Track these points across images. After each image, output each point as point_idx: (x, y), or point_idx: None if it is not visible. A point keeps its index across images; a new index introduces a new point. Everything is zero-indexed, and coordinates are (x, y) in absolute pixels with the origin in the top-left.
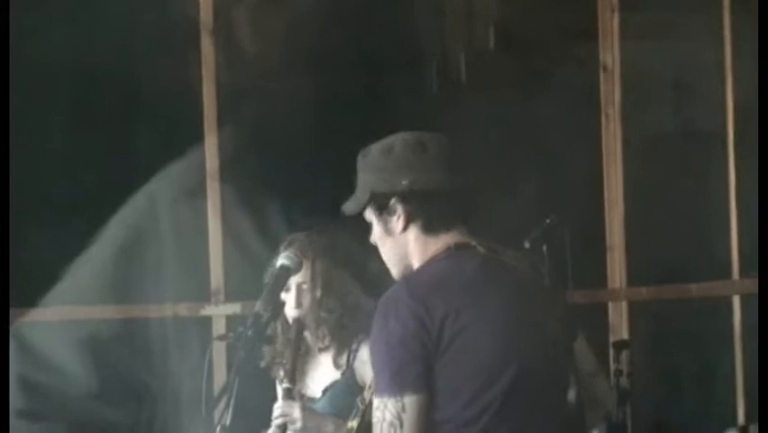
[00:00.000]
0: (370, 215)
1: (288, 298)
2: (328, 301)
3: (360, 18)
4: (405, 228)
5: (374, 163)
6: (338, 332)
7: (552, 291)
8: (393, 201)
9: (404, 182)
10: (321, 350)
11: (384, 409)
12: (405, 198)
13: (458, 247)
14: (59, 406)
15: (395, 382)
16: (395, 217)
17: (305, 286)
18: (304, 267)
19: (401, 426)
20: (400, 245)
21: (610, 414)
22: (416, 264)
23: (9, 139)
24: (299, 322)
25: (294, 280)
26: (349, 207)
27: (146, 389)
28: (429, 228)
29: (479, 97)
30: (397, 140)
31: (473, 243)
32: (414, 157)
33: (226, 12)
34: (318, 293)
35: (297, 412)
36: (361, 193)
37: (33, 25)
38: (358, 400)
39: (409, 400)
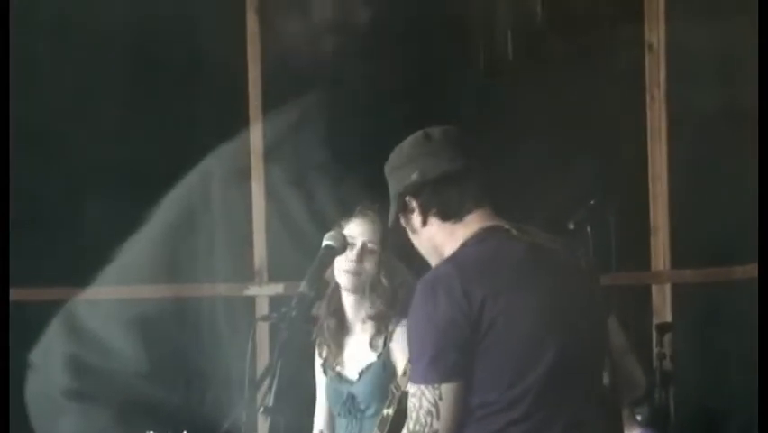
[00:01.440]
0: (402, 219)
1: (344, 259)
2: (390, 267)
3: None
4: (424, 222)
5: (390, 167)
6: (391, 302)
7: (587, 273)
8: (408, 198)
9: (413, 176)
10: (366, 320)
11: (421, 397)
12: (416, 191)
13: (488, 231)
14: (109, 385)
15: (432, 369)
16: (414, 214)
17: (370, 246)
18: (374, 233)
19: (438, 414)
20: (428, 240)
21: (650, 399)
22: (447, 251)
23: (9, 132)
24: (355, 280)
25: (360, 240)
26: (389, 220)
27: (193, 369)
28: (448, 215)
29: (525, 75)
30: (408, 138)
31: (505, 225)
32: (419, 150)
33: None
34: (385, 256)
35: None
36: (393, 203)
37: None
38: (392, 386)
39: (446, 388)
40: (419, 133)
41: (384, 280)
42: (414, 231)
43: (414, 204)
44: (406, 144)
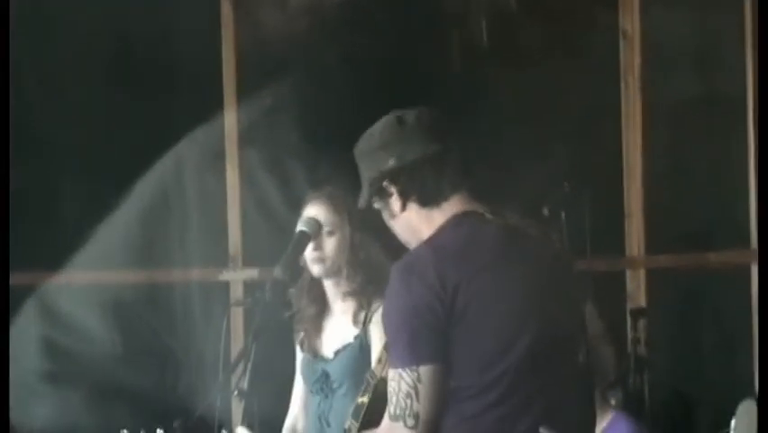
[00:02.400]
0: (376, 203)
1: (321, 245)
2: (365, 245)
3: None
4: (403, 207)
5: (363, 152)
6: (371, 279)
7: (563, 257)
8: (386, 183)
9: (390, 162)
10: (346, 300)
11: (399, 380)
12: (393, 176)
13: (464, 215)
14: (84, 369)
15: (409, 352)
16: (392, 199)
17: (327, 229)
18: (339, 216)
19: (417, 396)
20: (406, 224)
21: (623, 382)
22: (428, 233)
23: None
24: (323, 264)
25: (327, 229)
26: (360, 202)
27: (167, 353)
28: (426, 201)
29: (500, 61)
30: (379, 123)
31: (480, 210)
32: (393, 135)
33: None
34: (357, 238)
35: None
36: (364, 185)
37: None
38: (367, 375)
39: (424, 370)
40: (391, 117)
41: (360, 256)
42: (392, 215)
43: (392, 189)
44: (378, 128)
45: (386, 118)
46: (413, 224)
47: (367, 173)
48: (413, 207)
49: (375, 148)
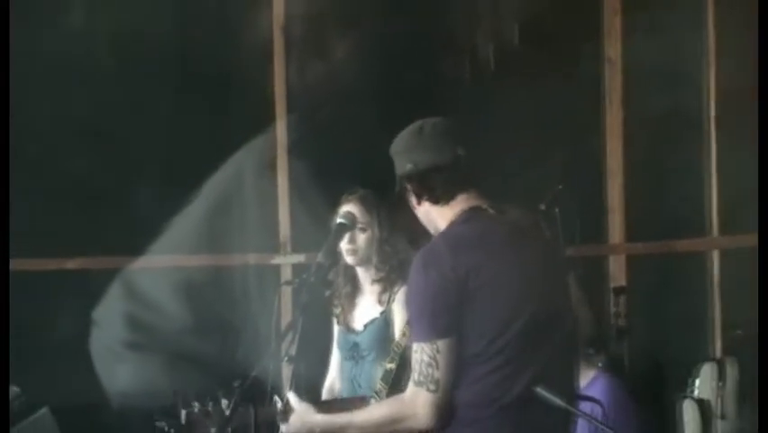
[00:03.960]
0: (405, 193)
1: (355, 239)
2: (391, 241)
3: (406, 17)
4: (419, 202)
5: (394, 152)
6: (395, 268)
7: (553, 244)
8: (406, 183)
9: (408, 166)
10: (374, 283)
11: (422, 352)
12: (410, 178)
13: (471, 211)
14: (159, 338)
15: (429, 329)
16: (410, 195)
17: (360, 226)
18: (368, 214)
19: (437, 365)
20: (425, 215)
21: (605, 347)
22: (442, 226)
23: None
24: (356, 255)
25: (360, 226)
26: (395, 194)
27: (228, 325)
28: (437, 200)
29: (504, 84)
30: (408, 128)
31: (484, 206)
32: (413, 142)
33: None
34: (385, 234)
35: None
36: (397, 176)
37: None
38: (393, 345)
39: (442, 343)
40: (416, 125)
41: (386, 249)
42: (412, 206)
43: (409, 187)
44: (405, 133)
45: (413, 125)
46: (430, 216)
47: (397, 170)
48: (426, 204)
49: (400, 151)
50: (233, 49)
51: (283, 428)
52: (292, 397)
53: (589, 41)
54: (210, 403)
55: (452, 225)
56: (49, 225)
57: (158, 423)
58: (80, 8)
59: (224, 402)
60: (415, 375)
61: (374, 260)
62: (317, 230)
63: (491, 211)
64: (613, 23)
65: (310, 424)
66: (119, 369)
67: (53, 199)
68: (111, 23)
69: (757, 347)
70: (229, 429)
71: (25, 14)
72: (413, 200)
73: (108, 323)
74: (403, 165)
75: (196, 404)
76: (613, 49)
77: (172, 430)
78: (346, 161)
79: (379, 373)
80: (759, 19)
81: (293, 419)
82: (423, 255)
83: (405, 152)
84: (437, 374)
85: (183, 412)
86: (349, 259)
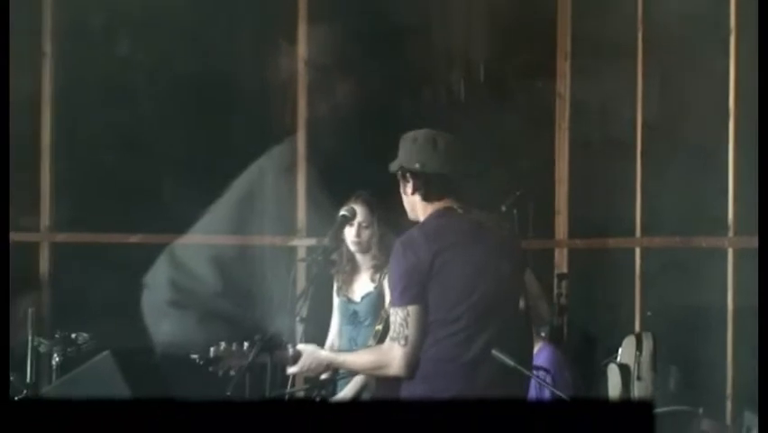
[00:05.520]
0: (399, 176)
1: (351, 233)
2: (384, 236)
3: (397, 59)
4: (413, 193)
5: (405, 145)
6: (387, 253)
7: (509, 239)
8: (408, 174)
9: (416, 165)
10: (370, 267)
11: (396, 315)
12: (415, 174)
13: (445, 210)
14: (196, 300)
15: (402, 296)
16: (409, 184)
17: (364, 223)
18: (369, 215)
19: (407, 325)
20: (411, 205)
21: (550, 323)
22: (420, 217)
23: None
24: (359, 246)
25: (357, 222)
26: (391, 167)
27: (252, 292)
28: (427, 197)
29: (473, 111)
30: (421, 133)
31: (455, 206)
32: (427, 148)
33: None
34: (382, 230)
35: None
36: (397, 161)
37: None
38: (381, 311)
39: (412, 308)
40: (430, 134)
41: (381, 242)
42: (404, 192)
43: (411, 180)
44: (420, 136)
45: (426, 131)
46: (415, 206)
47: (401, 159)
48: (417, 196)
49: (411, 149)
50: (263, 77)
51: (289, 369)
52: (302, 345)
53: (543, 79)
54: (234, 344)
55: (429, 218)
56: (113, 208)
57: (191, 356)
58: (126, 40)
59: (246, 344)
60: (391, 332)
61: (373, 249)
62: (326, 221)
63: (460, 211)
64: (563, 66)
65: (317, 359)
66: (163, 322)
67: (119, 192)
68: (151, 53)
69: (730, 343)
70: (247, 365)
71: (80, 43)
72: (407, 187)
73: (156, 286)
74: (411, 161)
75: (223, 343)
76: (562, 86)
77: (202, 362)
78: (351, 167)
79: (372, 333)
80: (759, 19)
81: (303, 358)
82: (402, 241)
83: (416, 152)
84: (407, 332)
85: (211, 349)
86: (353, 248)
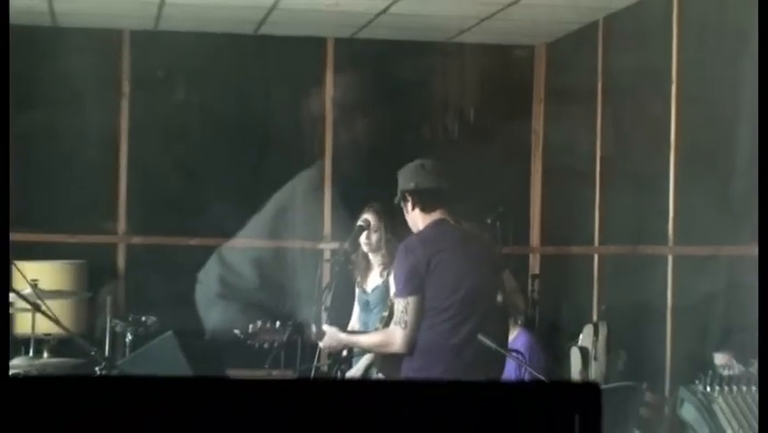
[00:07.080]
0: (401, 199)
1: (363, 236)
2: (390, 240)
3: (402, 103)
4: (413, 209)
5: (402, 174)
6: (393, 253)
7: (490, 245)
8: (407, 194)
9: (411, 184)
10: (380, 265)
11: (399, 304)
12: (412, 193)
13: (439, 221)
14: (239, 292)
15: (404, 289)
16: (409, 203)
17: (375, 228)
18: (379, 221)
19: (407, 312)
20: (412, 219)
21: (525, 314)
22: (420, 227)
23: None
24: (370, 246)
25: (374, 229)
26: (395, 200)
27: (285, 286)
28: (424, 210)
29: (465, 144)
30: (412, 164)
31: (447, 218)
32: (418, 171)
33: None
34: (389, 234)
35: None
36: (398, 189)
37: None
38: (387, 301)
39: (411, 299)
40: (418, 162)
41: (388, 244)
42: (406, 210)
43: (409, 198)
44: (411, 165)
45: (415, 161)
46: (415, 219)
47: (401, 184)
48: (417, 211)
49: (406, 175)
50: (299, 111)
51: (320, 343)
52: (326, 326)
53: (521, 119)
54: (268, 323)
55: (426, 228)
56: (176, 219)
57: (234, 331)
58: (183, 87)
59: (278, 323)
60: (394, 318)
61: (382, 250)
62: (347, 229)
63: (452, 222)
64: (538, 108)
65: (337, 338)
66: (212, 311)
67: (181, 205)
68: (205, 97)
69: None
70: (283, 341)
71: (149, 88)
72: (408, 206)
73: (207, 281)
74: (407, 183)
75: (259, 322)
76: (537, 125)
77: (242, 336)
78: (366, 187)
79: (379, 318)
80: (759, 19)
81: (326, 337)
82: (404, 245)
83: (410, 176)
84: (407, 318)
85: (250, 325)
86: (365, 248)
